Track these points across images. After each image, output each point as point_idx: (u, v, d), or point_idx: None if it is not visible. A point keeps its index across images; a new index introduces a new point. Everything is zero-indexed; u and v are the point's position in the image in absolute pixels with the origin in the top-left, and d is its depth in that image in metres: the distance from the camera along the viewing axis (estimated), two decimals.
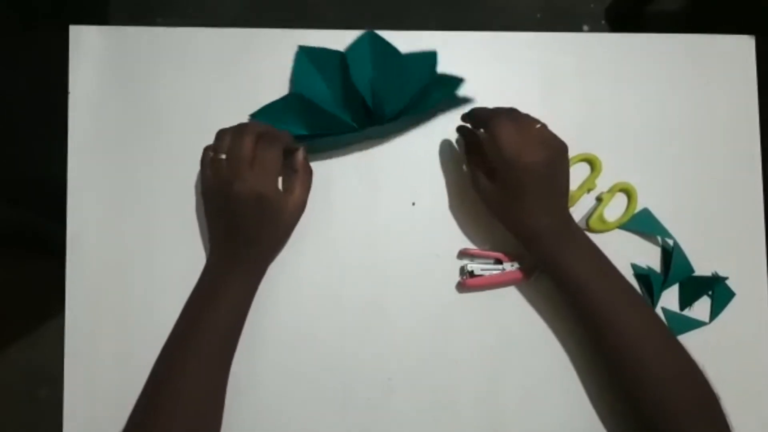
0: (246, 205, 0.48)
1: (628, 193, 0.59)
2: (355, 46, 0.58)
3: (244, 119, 0.57)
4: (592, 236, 0.58)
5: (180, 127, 0.58)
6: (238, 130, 0.50)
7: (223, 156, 0.49)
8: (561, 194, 0.53)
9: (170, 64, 0.59)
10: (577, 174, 0.59)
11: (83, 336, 0.55)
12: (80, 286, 0.56)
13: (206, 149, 0.52)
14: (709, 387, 0.49)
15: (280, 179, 0.53)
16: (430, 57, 0.58)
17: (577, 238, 0.53)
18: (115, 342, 0.55)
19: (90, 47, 0.58)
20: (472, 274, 0.56)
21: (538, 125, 0.50)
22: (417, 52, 0.58)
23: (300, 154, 0.54)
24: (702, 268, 0.58)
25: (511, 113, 0.51)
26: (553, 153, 0.50)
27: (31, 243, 0.98)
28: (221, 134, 0.51)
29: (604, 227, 0.58)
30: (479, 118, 0.53)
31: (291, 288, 0.56)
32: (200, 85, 0.58)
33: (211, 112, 0.58)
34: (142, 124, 0.58)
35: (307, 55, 0.58)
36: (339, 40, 0.58)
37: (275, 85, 0.58)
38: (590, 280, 0.51)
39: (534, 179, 0.49)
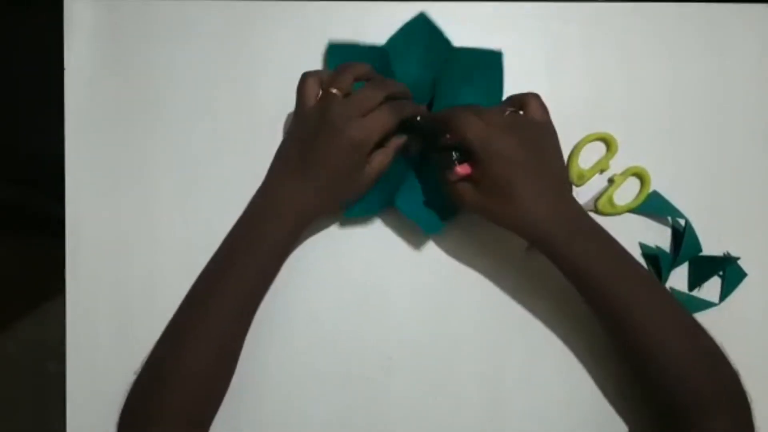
0: (346, 148, 0.47)
1: (642, 177, 0.57)
2: (399, 38, 0.52)
3: (243, 92, 0.56)
4: (598, 218, 0.56)
5: (178, 102, 0.57)
6: (374, 79, 0.49)
7: (335, 91, 0.47)
8: (557, 178, 0.48)
9: (167, 37, 0.57)
10: (591, 153, 0.57)
11: (85, 312, 0.55)
12: (80, 263, 0.56)
13: (309, 74, 0.49)
14: (736, 375, 0.47)
15: None
16: (494, 58, 0.53)
17: (592, 231, 0.48)
18: (117, 318, 0.55)
19: (84, 21, 0.57)
20: (461, 160, 0.50)
21: (508, 111, 0.47)
22: (478, 49, 0.53)
23: (397, 140, 0.51)
24: (714, 249, 0.57)
25: (471, 107, 0.48)
26: (531, 133, 0.47)
27: (33, 220, 0.99)
28: (344, 70, 0.48)
29: (613, 210, 0.56)
30: (439, 120, 0.50)
31: (290, 266, 0.55)
32: (198, 59, 0.57)
33: (209, 85, 0.57)
34: (139, 98, 0.57)
35: (340, 53, 0.52)
36: (342, 12, 0.56)
37: (276, 59, 0.57)
38: (611, 278, 0.47)
39: (514, 164, 0.46)
